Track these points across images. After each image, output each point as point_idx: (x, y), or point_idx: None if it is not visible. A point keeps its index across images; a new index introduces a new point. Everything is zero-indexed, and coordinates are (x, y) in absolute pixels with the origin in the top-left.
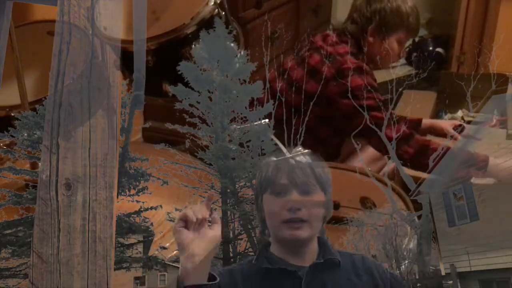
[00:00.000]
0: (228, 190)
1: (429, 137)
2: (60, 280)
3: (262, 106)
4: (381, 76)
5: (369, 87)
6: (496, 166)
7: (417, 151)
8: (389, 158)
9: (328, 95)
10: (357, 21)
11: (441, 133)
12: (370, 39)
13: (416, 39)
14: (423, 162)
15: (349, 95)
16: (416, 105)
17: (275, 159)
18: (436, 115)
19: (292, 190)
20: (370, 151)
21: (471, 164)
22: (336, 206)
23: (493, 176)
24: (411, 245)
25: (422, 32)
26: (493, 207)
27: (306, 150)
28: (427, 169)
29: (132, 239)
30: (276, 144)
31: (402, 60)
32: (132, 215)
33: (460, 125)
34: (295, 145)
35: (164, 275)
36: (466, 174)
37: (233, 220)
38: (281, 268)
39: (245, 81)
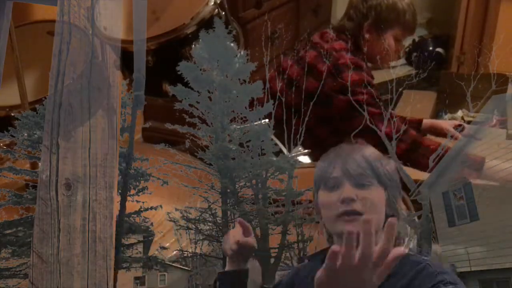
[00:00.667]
0: (228, 190)
1: (429, 137)
2: (60, 280)
3: (262, 106)
4: (381, 76)
5: (365, 83)
6: (492, 168)
7: (410, 147)
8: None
9: (325, 91)
10: (353, 18)
11: (442, 133)
12: (367, 35)
13: (416, 39)
14: (416, 158)
15: (341, 90)
16: (416, 105)
17: (329, 153)
18: (436, 115)
19: (345, 182)
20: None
21: (466, 165)
22: None
23: (489, 178)
24: (411, 245)
25: (422, 32)
26: (493, 207)
27: (306, 150)
28: (420, 166)
29: (132, 239)
30: (276, 144)
31: (402, 60)
32: (132, 215)
33: (460, 125)
34: (295, 145)
35: (164, 275)
36: (461, 174)
37: (233, 220)
38: None
39: (245, 81)
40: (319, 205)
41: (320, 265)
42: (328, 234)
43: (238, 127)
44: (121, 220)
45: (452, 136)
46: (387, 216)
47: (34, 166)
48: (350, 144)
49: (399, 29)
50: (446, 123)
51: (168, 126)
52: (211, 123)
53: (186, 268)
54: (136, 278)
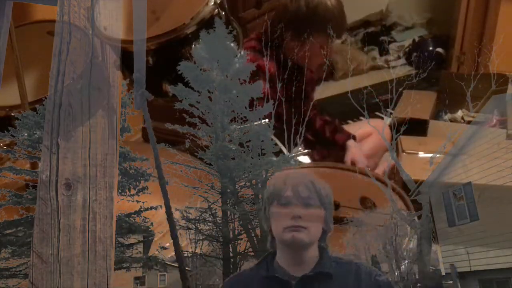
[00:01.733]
0: (228, 190)
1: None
2: (60, 280)
3: (262, 106)
4: (381, 76)
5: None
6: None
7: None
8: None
9: None
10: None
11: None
12: (291, 42)
13: (416, 39)
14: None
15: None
16: (416, 105)
17: (282, 174)
18: (436, 115)
19: (295, 201)
20: (365, 148)
21: None
22: (336, 206)
23: None
24: (411, 245)
25: (422, 32)
26: (493, 207)
27: (306, 150)
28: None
29: (132, 239)
30: (276, 144)
31: (402, 60)
32: (132, 215)
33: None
34: (295, 145)
35: (164, 275)
36: None
37: (233, 220)
38: (276, 276)
39: (245, 81)
40: (270, 217)
41: (255, 277)
42: (271, 240)
43: (238, 127)
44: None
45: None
46: (323, 231)
47: (34, 166)
48: (299, 170)
49: (323, 34)
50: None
51: (168, 126)
52: (211, 123)
53: (186, 268)
54: (136, 278)
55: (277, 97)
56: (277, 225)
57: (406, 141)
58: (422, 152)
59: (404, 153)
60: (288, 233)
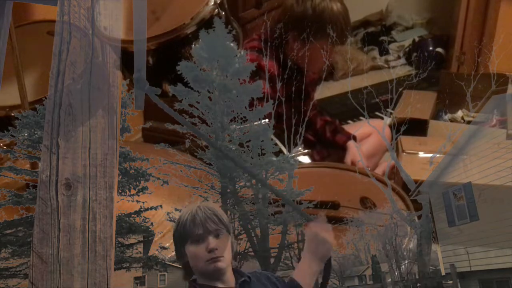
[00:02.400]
0: (228, 190)
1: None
2: (60, 280)
3: (262, 106)
4: (381, 76)
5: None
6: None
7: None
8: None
9: None
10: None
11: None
12: (292, 43)
13: (416, 39)
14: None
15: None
16: (416, 105)
17: (187, 212)
18: (436, 115)
19: (208, 236)
20: (365, 148)
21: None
22: (336, 206)
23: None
24: (411, 245)
25: (422, 32)
26: (493, 207)
27: (306, 150)
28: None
29: (132, 239)
30: (276, 144)
31: (402, 60)
32: (132, 215)
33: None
34: (295, 145)
35: (164, 275)
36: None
37: (233, 220)
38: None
39: (245, 81)
40: (187, 256)
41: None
42: (185, 273)
43: (238, 127)
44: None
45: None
46: (232, 251)
47: (34, 166)
48: (193, 205)
49: (325, 38)
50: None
51: (168, 126)
52: (211, 123)
53: None
54: (136, 278)
55: (277, 96)
56: (197, 260)
57: (406, 141)
58: (422, 152)
59: (404, 153)
60: (210, 264)
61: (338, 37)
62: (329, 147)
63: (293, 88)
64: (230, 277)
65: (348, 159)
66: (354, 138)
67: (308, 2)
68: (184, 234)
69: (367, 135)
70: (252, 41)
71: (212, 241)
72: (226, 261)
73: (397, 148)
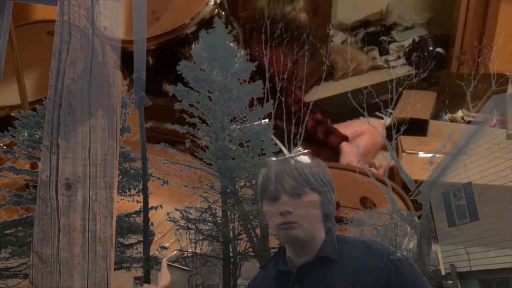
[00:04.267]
0: (228, 190)
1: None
2: (60, 280)
3: (262, 106)
4: (381, 76)
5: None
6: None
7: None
8: None
9: None
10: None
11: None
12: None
13: (416, 39)
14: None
15: None
16: (416, 105)
17: (268, 165)
18: (436, 115)
19: (282, 195)
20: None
21: None
22: (336, 206)
23: None
24: (411, 245)
25: (422, 32)
26: (493, 207)
27: (306, 150)
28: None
29: (132, 239)
30: (276, 144)
31: (402, 60)
32: (132, 215)
33: None
34: (295, 145)
35: None
36: None
37: (233, 220)
38: (280, 270)
39: (245, 81)
40: (265, 214)
41: (270, 272)
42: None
43: (238, 127)
44: None
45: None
46: (326, 217)
47: (34, 166)
48: (282, 158)
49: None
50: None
51: (168, 126)
52: (211, 123)
53: (186, 268)
54: (136, 278)
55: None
56: (271, 223)
57: (406, 141)
58: (422, 152)
59: (404, 153)
60: (281, 231)
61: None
62: (321, 146)
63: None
64: (313, 249)
65: (344, 161)
66: (346, 138)
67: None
68: (259, 190)
69: (360, 134)
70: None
71: (285, 202)
72: (303, 230)
73: (397, 148)
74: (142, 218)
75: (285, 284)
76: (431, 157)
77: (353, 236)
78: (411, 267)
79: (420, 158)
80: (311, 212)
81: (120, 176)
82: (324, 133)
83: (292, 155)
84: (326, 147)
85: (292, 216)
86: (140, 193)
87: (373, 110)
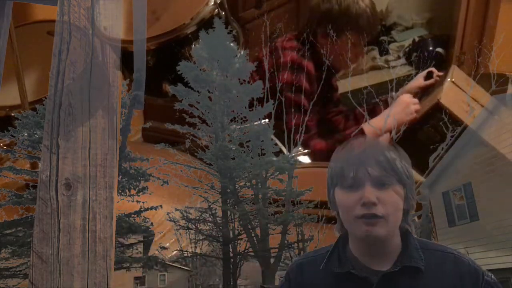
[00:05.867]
0: (228, 190)
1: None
2: (60, 280)
3: (262, 106)
4: (381, 76)
5: (295, 85)
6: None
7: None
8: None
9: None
10: (311, 23)
11: (421, 90)
12: (322, 40)
13: (416, 39)
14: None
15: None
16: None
17: (346, 148)
18: None
19: (366, 183)
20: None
21: None
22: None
23: None
24: None
25: (422, 32)
26: (493, 207)
27: (306, 150)
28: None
29: (132, 239)
30: (276, 144)
31: (402, 60)
32: (132, 215)
33: (430, 72)
34: (295, 145)
35: (164, 275)
36: None
37: (233, 220)
38: (351, 273)
39: (244, 81)
40: (336, 202)
41: (325, 272)
42: (340, 226)
43: (238, 127)
44: None
45: (427, 85)
46: (404, 213)
47: (34, 166)
48: (362, 139)
49: (354, 33)
50: (417, 81)
51: (168, 126)
52: (211, 123)
53: (186, 268)
54: (136, 278)
55: (315, 96)
56: (346, 214)
57: (458, 74)
58: (467, 92)
59: (451, 82)
60: (361, 226)
61: (368, 30)
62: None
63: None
64: (391, 252)
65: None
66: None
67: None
68: (334, 174)
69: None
70: (290, 41)
71: (369, 191)
72: (387, 227)
73: (447, 76)
74: (142, 218)
75: None
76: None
77: (432, 243)
78: None
79: (463, 97)
80: (396, 206)
81: (120, 176)
82: (345, 121)
83: (293, 154)
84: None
85: (376, 209)
86: (140, 193)
87: (373, 111)
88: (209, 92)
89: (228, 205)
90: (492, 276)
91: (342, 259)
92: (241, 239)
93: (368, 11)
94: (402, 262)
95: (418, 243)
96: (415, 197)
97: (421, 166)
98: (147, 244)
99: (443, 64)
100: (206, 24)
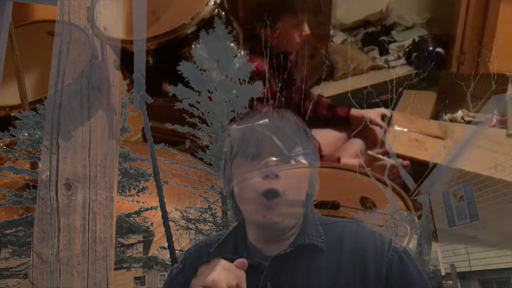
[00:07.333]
0: None
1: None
2: (60, 280)
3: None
4: (381, 76)
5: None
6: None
7: (328, 112)
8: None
9: None
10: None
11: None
12: (260, 31)
13: (416, 39)
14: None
15: None
16: (416, 105)
17: (247, 120)
18: (436, 115)
19: (270, 153)
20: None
21: None
22: (336, 206)
23: None
24: (411, 245)
25: (422, 32)
26: (493, 207)
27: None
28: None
29: (132, 239)
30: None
31: (402, 60)
32: (132, 215)
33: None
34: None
35: (164, 275)
36: None
37: (233, 220)
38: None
39: (245, 81)
40: (232, 175)
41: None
42: (235, 211)
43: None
44: None
45: (378, 125)
46: (306, 198)
47: (34, 166)
48: (266, 111)
49: (290, 16)
50: (373, 112)
51: (168, 126)
52: (211, 123)
53: None
54: (136, 278)
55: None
56: (245, 189)
57: (398, 117)
58: (411, 130)
59: (393, 127)
60: (259, 209)
61: (308, 10)
62: (328, 123)
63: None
64: (292, 229)
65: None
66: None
67: None
68: (236, 142)
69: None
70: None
71: (273, 162)
72: (287, 209)
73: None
74: (142, 218)
75: (253, 280)
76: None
77: (332, 217)
78: (413, 260)
79: (408, 135)
80: (299, 184)
81: (120, 176)
82: (328, 108)
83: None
84: (334, 120)
85: (278, 182)
86: (140, 193)
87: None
88: (209, 92)
89: (228, 205)
90: (402, 245)
91: (239, 244)
92: None
93: None
94: (296, 241)
95: (319, 219)
96: (317, 182)
97: (421, 166)
98: (147, 244)
99: (443, 64)
100: (206, 24)
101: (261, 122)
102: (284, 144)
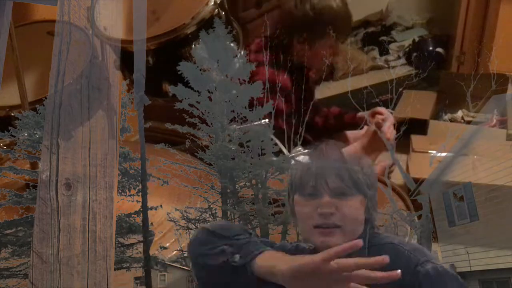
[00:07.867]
0: (228, 190)
1: None
2: (60, 280)
3: (262, 106)
4: (381, 76)
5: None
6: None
7: (325, 123)
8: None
9: None
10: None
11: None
12: (298, 46)
13: (416, 39)
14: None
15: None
16: (416, 105)
17: (305, 159)
18: (436, 115)
19: (324, 192)
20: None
21: None
22: None
23: None
24: None
25: (422, 32)
26: (493, 207)
27: (306, 150)
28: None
29: (132, 239)
30: (276, 144)
31: (402, 60)
32: (132, 215)
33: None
34: (295, 145)
35: (164, 275)
36: None
37: (233, 220)
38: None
39: (245, 81)
40: (295, 210)
41: None
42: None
43: (238, 127)
44: None
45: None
46: (365, 222)
47: (34, 166)
48: (328, 146)
49: (329, 36)
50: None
51: (168, 126)
52: (211, 123)
53: (186, 268)
54: (136, 278)
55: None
56: (303, 222)
57: (417, 141)
58: (433, 151)
59: (414, 152)
60: (318, 236)
61: (338, 34)
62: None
63: (293, 89)
64: None
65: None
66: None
67: (307, 4)
68: (294, 182)
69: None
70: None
71: (327, 201)
72: (344, 236)
73: (408, 147)
74: (142, 218)
75: None
76: (431, 156)
77: (385, 235)
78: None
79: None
80: (355, 216)
81: (120, 176)
82: (336, 117)
83: (293, 154)
84: (341, 128)
85: (334, 218)
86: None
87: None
88: (209, 92)
89: (228, 205)
90: (429, 267)
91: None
92: None
93: (341, 12)
94: None
95: (373, 239)
96: (376, 207)
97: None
98: (147, 244)
99: (443, 64)
100: (206, 24)
101: (317, 164)
102: (337, 185)
